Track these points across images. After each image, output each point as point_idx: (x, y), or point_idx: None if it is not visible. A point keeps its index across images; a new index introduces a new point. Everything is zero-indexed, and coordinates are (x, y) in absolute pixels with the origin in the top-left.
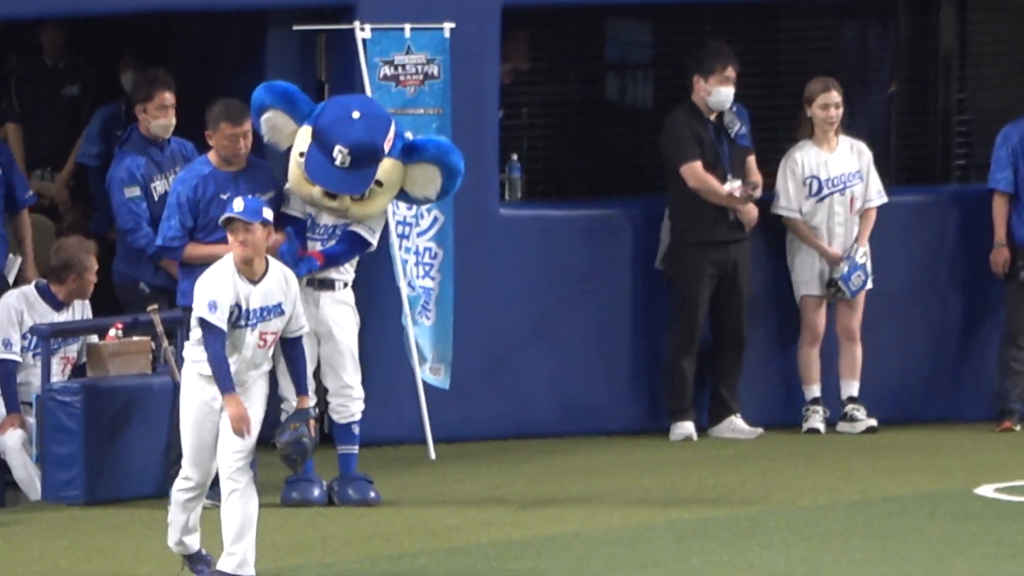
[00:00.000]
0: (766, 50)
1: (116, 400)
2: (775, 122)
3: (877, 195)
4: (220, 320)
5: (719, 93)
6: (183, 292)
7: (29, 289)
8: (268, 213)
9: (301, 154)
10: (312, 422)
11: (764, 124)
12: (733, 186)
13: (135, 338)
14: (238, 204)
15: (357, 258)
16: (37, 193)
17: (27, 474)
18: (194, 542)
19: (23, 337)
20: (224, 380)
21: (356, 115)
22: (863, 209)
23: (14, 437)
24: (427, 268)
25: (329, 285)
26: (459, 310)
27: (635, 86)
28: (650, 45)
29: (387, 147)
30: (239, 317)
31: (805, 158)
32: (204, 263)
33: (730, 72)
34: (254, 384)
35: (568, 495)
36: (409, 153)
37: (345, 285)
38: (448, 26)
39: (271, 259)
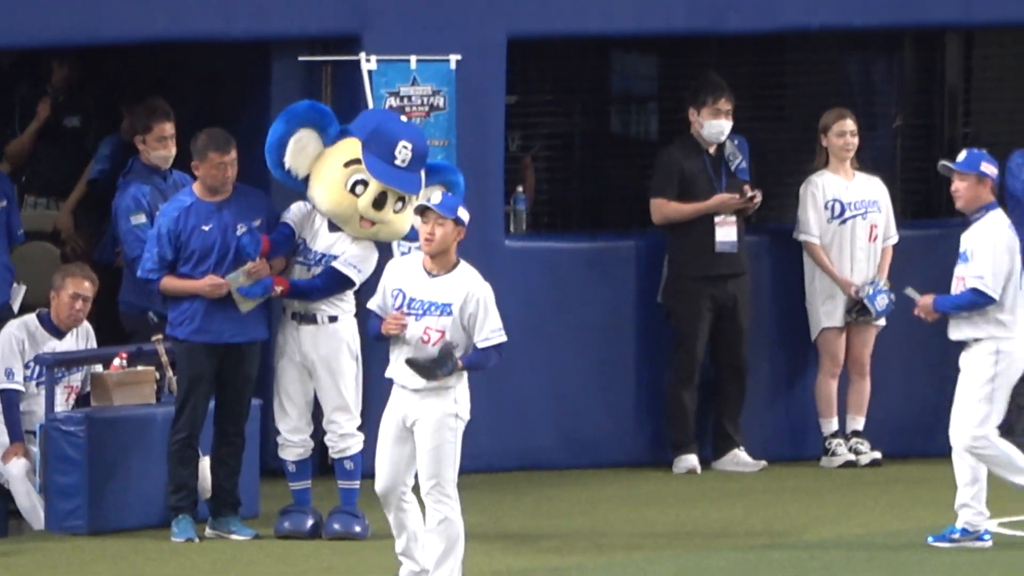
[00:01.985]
0: (771, 83)
1: (120, 430)
2: (781, 155)
3: (894, 233)
4: (375, 304)
5: (710, 126)
6: (171, 323)
7: (30, 318)
8: (464, 214)
9: (347, 164)
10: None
11: (770, 157)
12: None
13: (139, 368)
14: (436, 196)
15: (351, 293)
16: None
17: (30, 503)
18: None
19: (26, 366)
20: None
21: (404, 118)
22: (883, 245)
23: (18, 466)
24: None
25: (310, 319)
26: None
27: (640, 119)
28: (655, 78)
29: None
30: (403, 304)
31: (826, 183)
32: (181, 296)
33: (722, 104)
34: (430, 396)
35: (571, 528)
36: (430, 173)
37: (333, 319)
38: (454, 58)
39: (465, 264)
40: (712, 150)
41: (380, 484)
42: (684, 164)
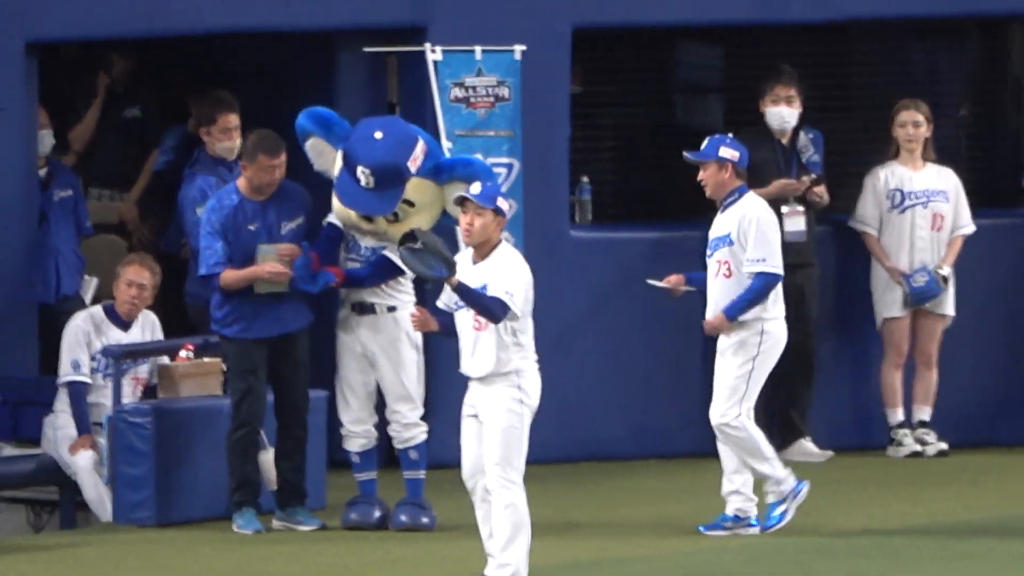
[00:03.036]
0: (836, 73)
1: (187, 421)
2: (846, 144)
3: (966, 223)
4: (442, 303)
5: (771, 113)
6: (218, 321)
7: (96, 310)
8: (504, 204)
9: (336, 177)
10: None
11: (835, 147)
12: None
13: (206, 359)
14: (475, 187)
15: (409, 282)
16: (120, 215)
17: (98, 495)
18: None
19: (93, 358)
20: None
21: (378, 135)
22: (953, 236)
23: (85, 458)
24: None
25: (369, 309)
26: None
27: (705, 108)
28: (720, 68)
29: (413, 166)
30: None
31: (889, 174)
32: (240, 288)
33: (781, 91)
34: (495, 382)
35: (638, 518)
36: (439, 172)
37: (392, 309)
38: (519, 48)
39: (505, 246)
40: (785, 141)
41: (463, 472)
42: (753, 153)
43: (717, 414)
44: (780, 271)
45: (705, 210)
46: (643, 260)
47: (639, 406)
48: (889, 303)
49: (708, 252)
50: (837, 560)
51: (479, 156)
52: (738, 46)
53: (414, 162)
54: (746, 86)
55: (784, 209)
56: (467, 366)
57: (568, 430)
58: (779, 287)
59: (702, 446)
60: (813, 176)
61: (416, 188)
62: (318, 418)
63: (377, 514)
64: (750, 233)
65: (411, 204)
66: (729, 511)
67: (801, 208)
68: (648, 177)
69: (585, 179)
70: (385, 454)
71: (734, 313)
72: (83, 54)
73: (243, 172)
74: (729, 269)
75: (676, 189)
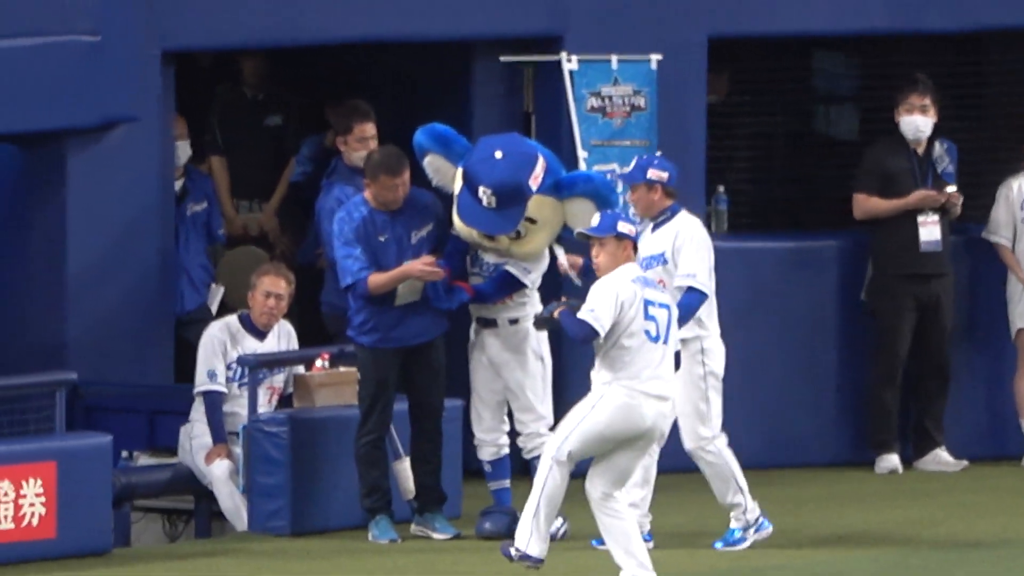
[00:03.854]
0: (972, 82)
1: (323, 431)
2: (980, 154)
3: None
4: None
5: (905, 122)
6: (354, 328)
7: (232, 319)
8: (625, 227)
9: (456, 196)
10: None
11: (969, 156)
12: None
13: (342, 368)
14: (594, 220)
15: (535, 294)
16: (243, 226)
17: (233, 504)
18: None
19: (229, 367)
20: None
21: (499, 155)
22: None
23: (221, 468)
24: None
25: (491, 323)
26: None
27: (841, 118)
28: (856, 77)
29: (534, 184)
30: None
31: (1022, 184)
32: (388, 289)
33: (915, 100)
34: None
35: (775, 526)
36: (559, 189)
37: (514, 322)
38: (655, 57)
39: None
40: (919, 150)
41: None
42: (888, 162)
43: (689, 440)
44: (708, 290)
45: (842, 220)
46: (779, 270)
47: (774, 416)
48: (1023, 313)
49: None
50: (972, 569)
51: (614, 167)
52: (873, 55)
53: (535, 180)
54: (881, 95)
55: (920, 218)
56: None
57: None
58: (712, 303)
59: (837, 456)
60: (953, 188)
61: (537, 205)
62: (453, 427)
63: (510, 524)
64: (682, 250)
65: (533, 221)
66: (734, 524)
67: (936, 217)
68: (784, 187)
69: (721, 189)
70: (518, 464)
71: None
72: (216, 61)
73: (366, 188)
74: (663, 288)
75: (812, 198)
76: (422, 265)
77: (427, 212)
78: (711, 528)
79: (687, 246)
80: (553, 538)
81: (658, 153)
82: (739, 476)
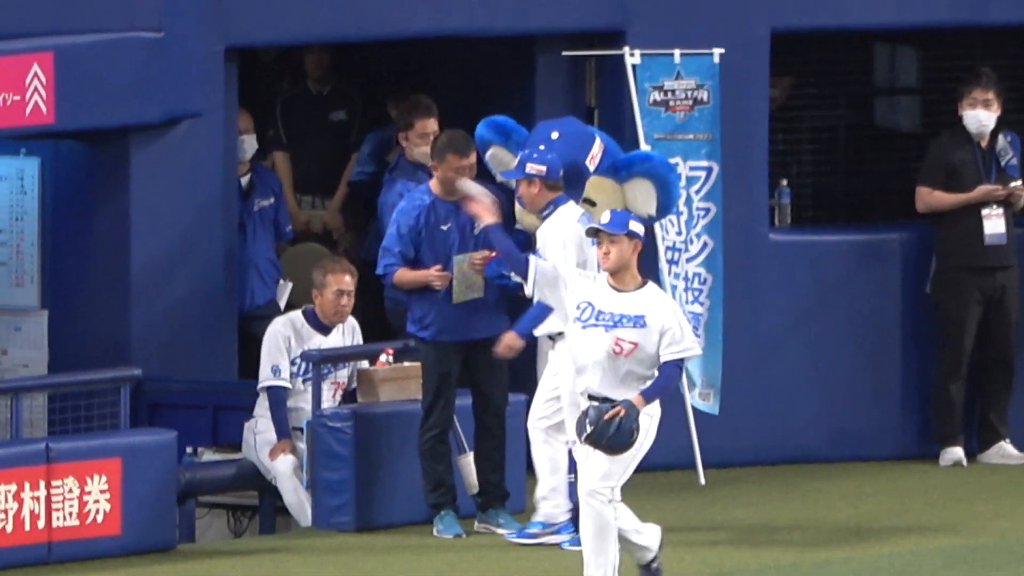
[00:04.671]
0: None
1: (387, 426)
2: None
3: None
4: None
5: (968, 116)
6: (415, 321)
7: (296, 315)
8: (636, 226)
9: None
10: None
11: None
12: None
13: (406, 363)
14: (605, 216)
15: None
16: (306, 223)
17: (298, 500)
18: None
19: (292, 363)
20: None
21: (555, 135)
22: None
23: (285, 463)
24: (696, 294)
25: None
26: (728, 336)
27: (903, 111)
28: (918, 70)
29: (591, 164)
30: (591, 315)
31: None
32: (415, 288)
33: (978, 94)
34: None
35: (837, 521)
36: (617, 170)
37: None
38: (717, 51)
39: (652, 284)
40: (984, 143)
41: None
42: (952, 155)
43: (537, 422)
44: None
45: (906, 213)
46: (843, 263)
47: (838, 409)
48: None
49: None
50: None
51: (677, 161)
52: (936, 48)
53: (592, 160)
54: (944, 88)
55: (984, 212)
56: (594, 386)
57: (768, 432)
58: None
59: (902, 450)
60: (1018, 182)
61: (596, 187)
62: (517, 422)
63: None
64: (545, 248)
65: (592, 203)
66: (538, 517)
67: (1000, 211)
68: (847, 180)
69: (784, 182)
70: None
71: (525, 330)
72: (280, 57)
73: (434, 172)
74: None
75: (875, 191)
76: (437, 273)
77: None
78: (777, 521)
79: (549, 244)
80: None
81: (541, 147)
82: (562, 476)
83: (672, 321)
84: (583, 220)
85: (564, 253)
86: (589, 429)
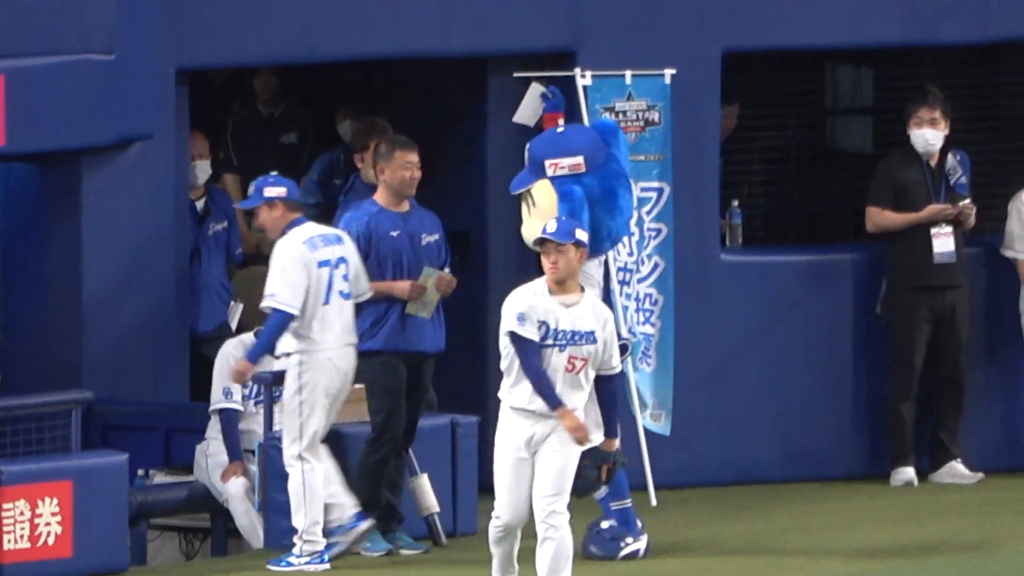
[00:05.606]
0: (987, 94)
1: (339, 447)
2: (997, 165)
3: None
4: (530, 332)
5: (915, 136)
6: (361, 335)
7: (247, 337)
8: (582, 235)
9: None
10: (606, 467)
11: (986, 168)
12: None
13: (357, 385)
14: (551, 225)
15: None
16: (256, 245)
17: (250, 522)
18: None
19: (244, 385)
20: (549, 393)
21: (560, 129)
22: None
23: (237, 485)
24: (648, 314)
25: None
26: (679, 356)
27: (855, 131)
28: (870, 90)
29: (551, 170)
30: (547, 335)
31: None
32: (374, 301)
33: (924, 113)
34: (548, 419)
35: (789, 541)
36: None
37: None
38: (669, 72)
39: (589, 290)
40: (932, 162)
41: (511, 517)
42: (901, 174)
43: (285, 452)
44: (290, 308)
45: (858, 233)
46: (794, 283)
47: (790, 429)
48: None
49: None
50: None
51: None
52: (888, 68)
53: (554, 167)
54: (896, 108)
55: (933, 231)
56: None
57: (720, 453)
58: (325, 316)
59: (854, 470)
60: (966, 200)
61: (541, 191)
62: (469, 443)
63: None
64: (273, 268)
65: (533, 204)
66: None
67: (949, 229)
68: (799, 200)
69: (735, 202)
70: None
71: (253, 357)
72: (231, 78)
73: (380, 177)
74: None
75: (827, 212)
76: (411, 285)
77: (435, 223)
78: (730, 543)
79: (273, 263)
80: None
81: (272, 174)
82: (317, 505)
83: (609, 331)
84: (310, 243)
85: (291, 273)
86: (588, 486)
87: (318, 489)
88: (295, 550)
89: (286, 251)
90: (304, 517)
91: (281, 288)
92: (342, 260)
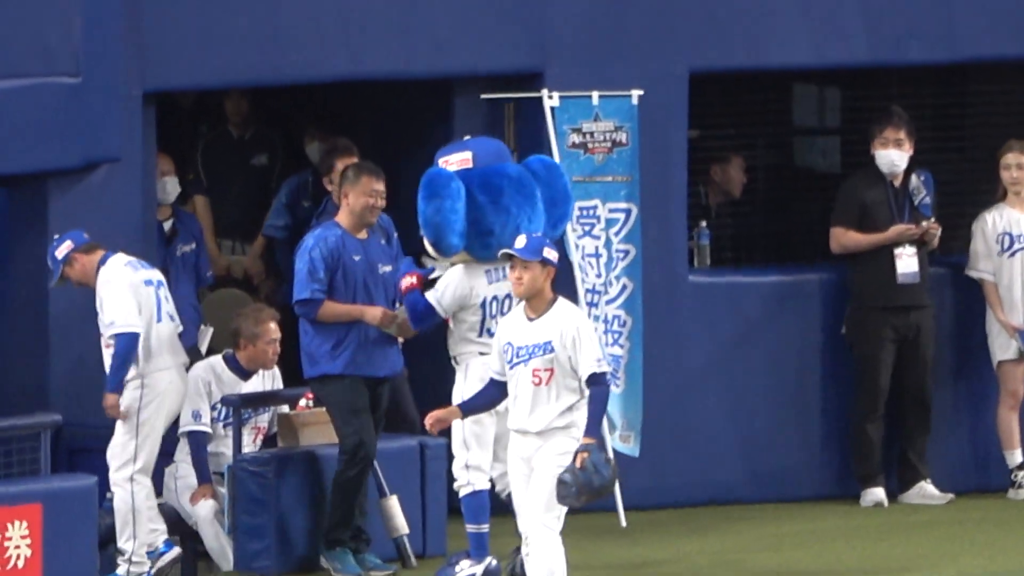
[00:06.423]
0: (954, 114)
1: (307, 470)
2: (963, 185)
3: None
4: (495, 365)
5: (880, 156)
6: (318, 358)
7: (217, 360)
8: (550, 253)
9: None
10: (580, 456)
11: (952, 188)
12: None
13: (319, 408)
14: (520, 241)
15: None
16: (227, 268)
17: (219, 544)
18: None
19: (213, 408)
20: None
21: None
22: None
23: (206, 508)
24: (616, 336)
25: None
26: (648, 377)
27: (822, 151)
28: (837, 110)
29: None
30: (512, 354)
31: (997, 217)
32: (338, 321)
33: (890, 134)
34: (552, 435)
35: (759, 561)
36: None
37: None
38: (636, 93)
39: (561, 300)
40: (897, 183)
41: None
42: (865, 195)
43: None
44: (133, 328)
45: (825, 253)
46: (762, 304)
47: (758, 450)
48: (1004, 345)
49: None
50: None
51: (596, 204)
52: (855, 88)
53: (445, 163)
54: (863, 128)
55: (896, 251)
56: (523, 422)
57: (689, 474)
58: (162, 337)
59: (823, 490)
60: (931, 220)
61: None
62: (438, 465)
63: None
64: (101, 299)
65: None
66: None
67: (913, 250)
68: (766, 220)
69: (703, 223)
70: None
71: (113, 387)
72: (199, 101)
73: (344, 200)
74: None
75: (794, 232)
76: (383, 313)
77: (391, 254)
78: (698, 563)
79: (102, 297)
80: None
81: (55, 237)
82: (145, 526)
83: (572, 328)
84: (131, 265)
85: (122, 297)
86: (575, 488)
87: (145, 510)
88: (119, 571)
89: (111, 277)
90: (133, 539)
91: (117, 314)
92: (161, 283)
